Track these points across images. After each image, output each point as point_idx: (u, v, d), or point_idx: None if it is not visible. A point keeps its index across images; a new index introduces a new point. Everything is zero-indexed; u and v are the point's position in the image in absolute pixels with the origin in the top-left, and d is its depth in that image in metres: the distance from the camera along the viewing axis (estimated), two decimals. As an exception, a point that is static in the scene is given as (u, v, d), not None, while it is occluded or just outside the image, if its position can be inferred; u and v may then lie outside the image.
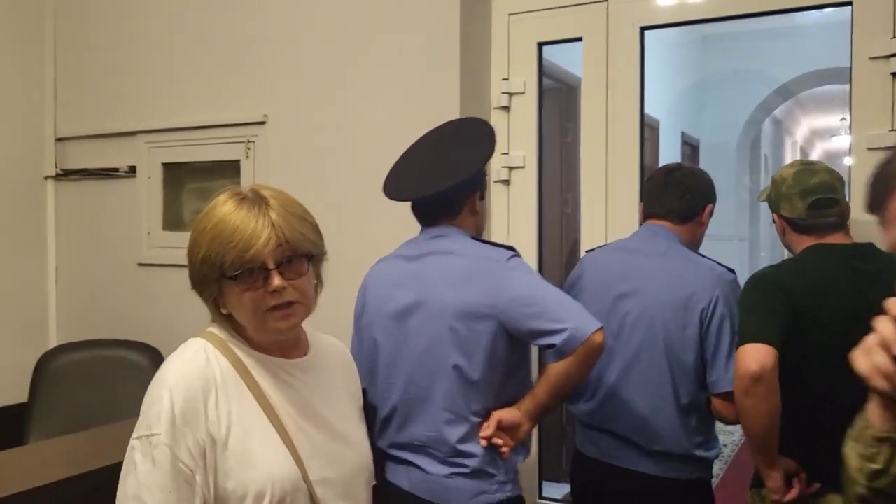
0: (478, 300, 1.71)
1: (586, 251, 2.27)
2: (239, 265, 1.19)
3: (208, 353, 1.24)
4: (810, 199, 1.88)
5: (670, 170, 2.14)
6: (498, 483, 1.74)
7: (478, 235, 1.90)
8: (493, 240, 2.45)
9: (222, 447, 1.18)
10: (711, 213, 2.13)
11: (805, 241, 1.92)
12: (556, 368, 1.69)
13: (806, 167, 1.94)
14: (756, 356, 1.70)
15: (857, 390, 1.70)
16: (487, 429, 1.70)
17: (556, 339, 1.65)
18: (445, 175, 1.80)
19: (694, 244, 2.12)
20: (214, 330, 1.30)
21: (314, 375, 1.34)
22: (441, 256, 1.80)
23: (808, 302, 1.79)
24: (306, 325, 1.38)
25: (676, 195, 2.07)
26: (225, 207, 1.22)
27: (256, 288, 1.20)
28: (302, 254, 1.24)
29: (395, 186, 1.89)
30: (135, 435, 1.20)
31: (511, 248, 1.81)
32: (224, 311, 1.26)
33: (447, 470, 1.73)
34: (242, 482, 1.18)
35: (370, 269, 1.95)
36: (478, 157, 1.83)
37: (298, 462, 1.22)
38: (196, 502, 1.17)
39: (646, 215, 2.14)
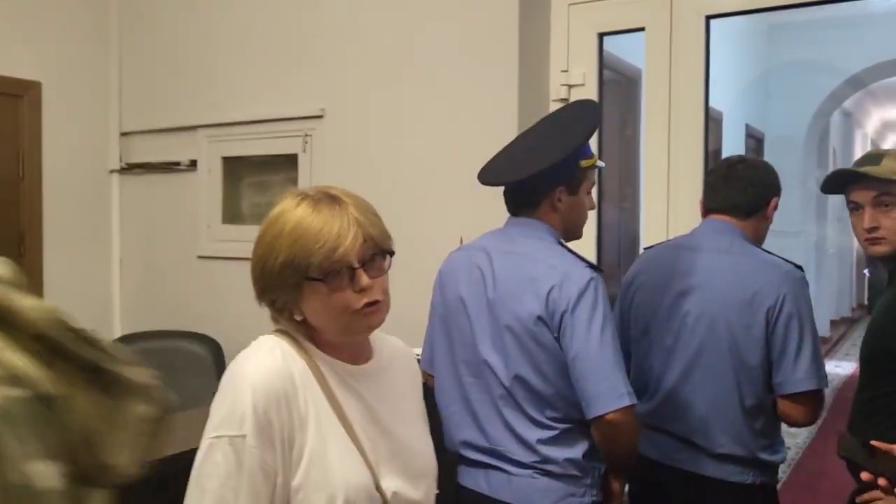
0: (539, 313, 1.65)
1: (644, 248, 2.21)
2: (327, 266, 1.16)
3: (284, 353, 1.21)
4: None
5: (732, 162, 2.06)
6: (585, 486, 1.70)
7: (568, 235, 1.79)
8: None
9: (299, 449, 1.17)
10: (776, 207, 2.05)
11: None
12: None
13: None
14: None
15: None
16: None
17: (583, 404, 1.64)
18: (528, 163, 1.70)
19: (758, 239, 2.04)
20: (283, 328, 1.26)
21: (379, 382, 1.30)
22: (520, 258, 1.71)
23: None
24: None
25: (739, 189, 1.99)
26: (300, 210, 1.19)
27: (343, 288, 1.17)
28: (384, 250, 1.22)
29: (486, 168, 1.81)
30: (214, 433, 1.16)
31: (594, 269, 1.68)
32: (298, 318, 1.22)
33: (530, 471, 1.68)
34: (316, 487, 1.16)
35: (448, 258, 1.87)
36: (558, 147, 1.70)
37: (371, 470, 1.20)
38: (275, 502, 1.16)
39: (707, 210, 2.07)
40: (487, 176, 1.80)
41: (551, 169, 1.68)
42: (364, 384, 1.27)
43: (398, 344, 1.43)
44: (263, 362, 1.19)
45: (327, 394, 1.21)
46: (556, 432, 1.67)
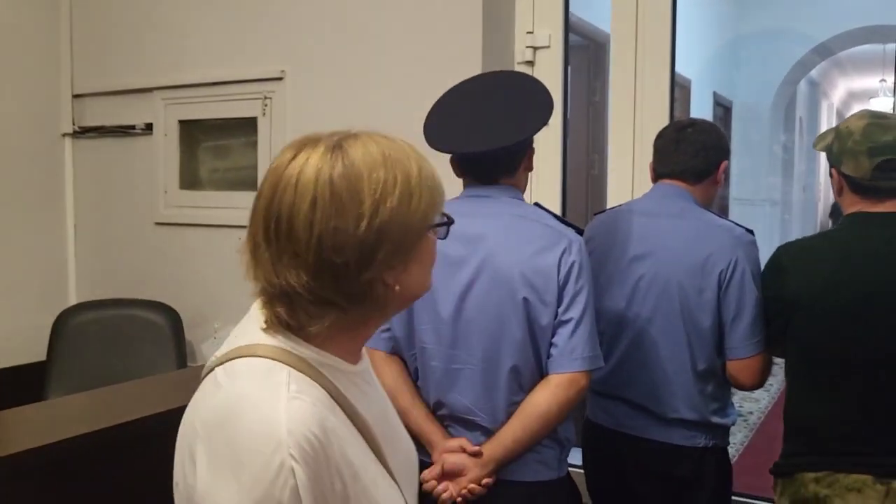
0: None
1: (594, 214, 2.19)
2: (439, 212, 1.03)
3: (300, 385, 0.94)
4: (879, 159, 1.71)
5: (682, 126, 2.04)
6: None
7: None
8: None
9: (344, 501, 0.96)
10: (726, 171, 2.04)
11: (856, 204, 1.78)
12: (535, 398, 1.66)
13: (878, 121, 1.75)
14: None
15: (870, 374, 1.66)
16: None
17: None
18: (513, 128, 1.68)
19: (709, 203, 2.04)
20: (274, 342, 0.97)
21: (374, 378, 1.14)
22: (517, 220, 1.70)
23: (817, 287, 1.73)
24: None
25: (690, 153, 1.98)
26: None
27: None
28: None
29: (450, 138, 1.72)
30: (247, 498, 0.89)
31: (580, 232, 1.72)
32: (396, 287, 0.99)
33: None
34: None
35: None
36: (545, 110, 1.71)
37: (401, 492, 1.06)
38: None
39: (657, 175, 2.05)
40: (465, 143, 1.71)
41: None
42: (366, 385, 1.08)
43: None
44: (295, 413, 0.92)
45: (355, 420, 1.00)
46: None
